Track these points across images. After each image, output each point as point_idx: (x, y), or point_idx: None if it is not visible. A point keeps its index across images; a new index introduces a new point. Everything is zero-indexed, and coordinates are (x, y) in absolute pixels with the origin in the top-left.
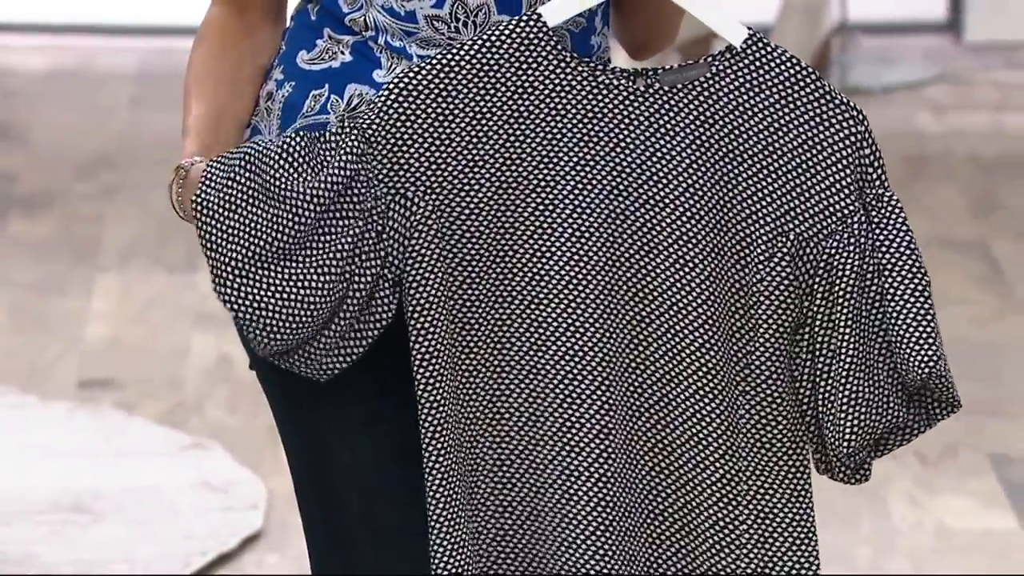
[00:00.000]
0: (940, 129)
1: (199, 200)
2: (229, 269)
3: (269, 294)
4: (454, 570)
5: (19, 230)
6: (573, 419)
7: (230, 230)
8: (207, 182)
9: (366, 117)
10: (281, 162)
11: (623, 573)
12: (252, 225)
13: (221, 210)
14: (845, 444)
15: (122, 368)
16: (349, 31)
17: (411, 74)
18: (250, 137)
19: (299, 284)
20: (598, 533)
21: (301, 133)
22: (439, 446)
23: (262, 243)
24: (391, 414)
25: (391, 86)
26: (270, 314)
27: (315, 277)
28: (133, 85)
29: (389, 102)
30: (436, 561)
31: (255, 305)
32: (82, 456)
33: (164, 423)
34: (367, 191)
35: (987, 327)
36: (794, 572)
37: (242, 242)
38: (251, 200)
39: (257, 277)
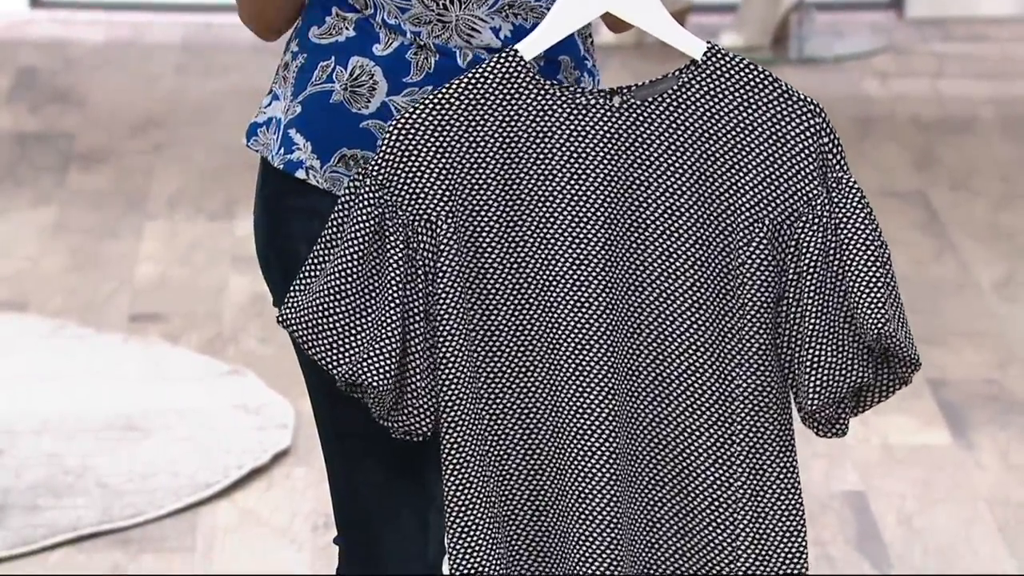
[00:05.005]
0: (885, 94)
1: (288, 326)
2: (325, 349)
3: (353, 343)
4: (473, 570)
5: (78, 182)
6: (584, 404)
7: (320, 338)
8: (288, 315)
9: (373, 162)
10: (322, 250)
11: (622, 541)
12: (326, 308)
13: (311, 327)
14: (810, 402)
15: (168, 303)
16: (353, 9)
17: (407, 115)
18: (270, 103)
19: (370, 323)
20: (606, 510)
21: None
22: (458, 449)
23: (336, 316)
24: None
25: (390, 128)
26: (360, 354)
27: (380, 311)
28: (178, 55)
29: (390, 144)
30: (453, 561)
31: (347, 357)
32: (133, 381)
33: (205, 352)
34: (396, 222)
35: (926, 267)
36: (784, 519)
37: (325, 328)
38: (333, 313)
39: (340, 342)
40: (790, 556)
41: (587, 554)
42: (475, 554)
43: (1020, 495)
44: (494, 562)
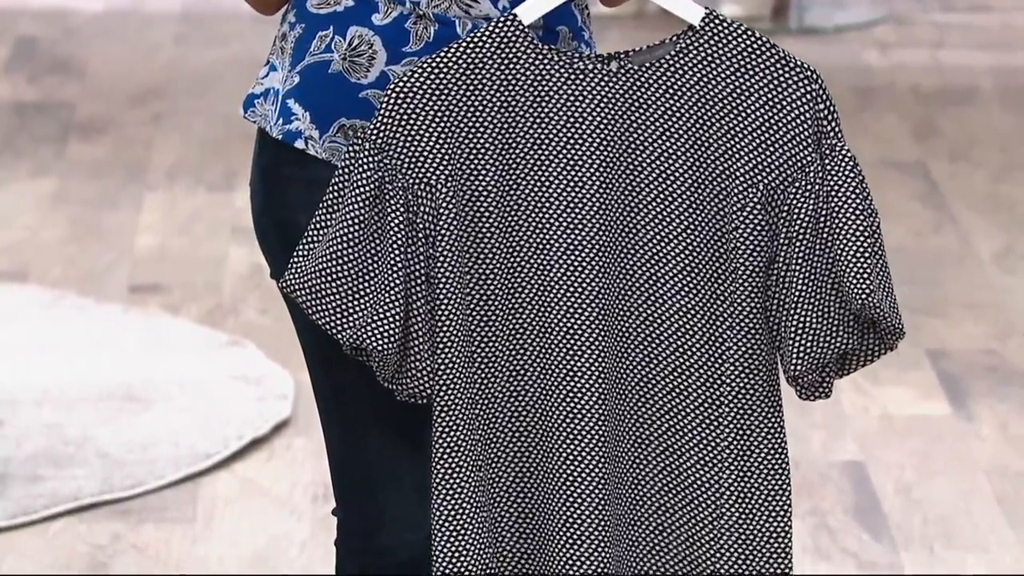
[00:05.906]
0: (885, 64)
1: (292, 292)
2: (328, 314)
3: (357, 308)
4: (455, 570)
5: (78, 152)
6: (573, 365)
7: (320, 294)
8: (292, 280)
9: (372, 126)
10: (324, 215)
11: (608, 507)
12: (329, 268)
13: (315, 293)
14: (795, 366)
15: (168, 274)
16: None
17: (405, 78)
18: (267, 74)
19: (373, 287)
20: (593, 493)
21: (334, 182)
22: (450, 412)
23: (339, 280)
24: None
25: (388, 92)
26: (364, 318)
27: (383, 274)
28: (178, 24)
29: (388, 107)
30: (437, 563)
31: (351, 321)
32: (133, 351)
33: (204, 323)
34: (396, 185)
35: (925, 238)
36: (769, 479)
37: (329, 293)
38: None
39: (345, 306)
40: (773, 516)
41: (571, 529)
42: (460, 522)
43: (1019, 466)
44: (480, 533)
